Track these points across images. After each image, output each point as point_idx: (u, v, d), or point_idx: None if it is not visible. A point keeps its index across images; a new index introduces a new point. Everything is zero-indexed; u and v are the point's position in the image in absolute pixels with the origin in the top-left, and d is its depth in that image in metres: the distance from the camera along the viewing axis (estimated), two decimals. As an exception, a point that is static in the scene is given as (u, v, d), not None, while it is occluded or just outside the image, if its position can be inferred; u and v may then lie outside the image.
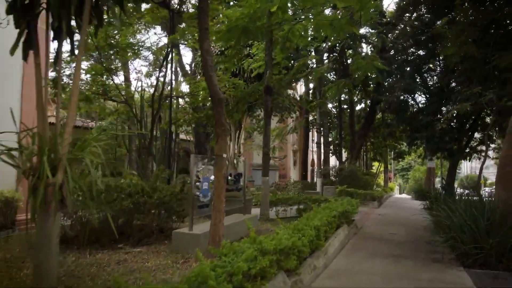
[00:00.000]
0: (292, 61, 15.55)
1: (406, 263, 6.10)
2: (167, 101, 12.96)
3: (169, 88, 12.60)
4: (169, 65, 11.89)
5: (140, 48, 12.84)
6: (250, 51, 14.00)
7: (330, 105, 30.31)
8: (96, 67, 11.53)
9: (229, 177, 8.42)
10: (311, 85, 24.40)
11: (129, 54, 12.18)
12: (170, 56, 11.45)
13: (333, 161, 30.69)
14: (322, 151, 24.97)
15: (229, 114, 13.60)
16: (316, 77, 15.15)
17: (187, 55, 33.60)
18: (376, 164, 38.35)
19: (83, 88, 12.12)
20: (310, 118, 27.24)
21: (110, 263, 5.88)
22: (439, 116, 16.19)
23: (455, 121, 15.24)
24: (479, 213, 6.30)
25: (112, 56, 11.63)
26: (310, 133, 39.85)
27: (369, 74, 11.18)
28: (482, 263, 5.77)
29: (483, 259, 5.75)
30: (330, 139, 27.68)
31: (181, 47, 24.88)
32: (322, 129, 19.25)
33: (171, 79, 10.76)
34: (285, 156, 19.36)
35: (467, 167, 69.27)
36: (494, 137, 17.16)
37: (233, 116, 13.79)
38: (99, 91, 11.98)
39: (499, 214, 6.22)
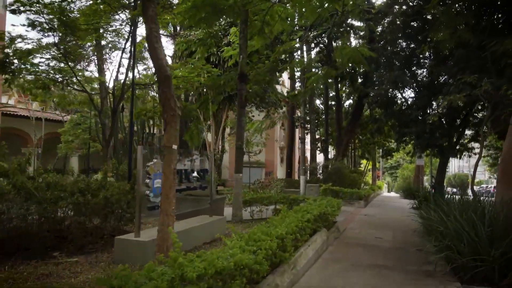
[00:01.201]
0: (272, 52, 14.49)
1: (393, 277, 5.06)
2: (138, 90, 11.77)
3: (136, 75, 11.39)
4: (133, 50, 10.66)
5: (106, 32, 11.61)
6: (230, 39, 12.90)
7: (318, 102, 29.42)
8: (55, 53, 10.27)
9: (193, 174, 7.31)
10: (298, 79, 23.37)
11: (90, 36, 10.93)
12: (132, 38, 10.22)
13: (321, 158, 29.78)
14: (309, 147, 23.98)
15: (203, 105, 12.49)
16: (301, 67, 14.08)
17: (169, 48, 32.20)
18: (364, 162, 37.55)
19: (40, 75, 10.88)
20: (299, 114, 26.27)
21: (30, 278, 4.77)
22: (429, 110, 15.28)
23: (446, 116, 14.33)
24: (479, 218, 5.29)
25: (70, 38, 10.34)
26: (298, 130, 39.12)
27: (355, 64, 10.14)
28: (483, 278, 4.77)
29: (484, 274, 4.75)
30: (317, 136, 26.72)
31: (164, 39, 23.67)
32: (305, 124, 18.17)
33: (133, 64, 9.56)
34: (260, 151, 18.26)
35: (454, 166, 69.28)
36: (485, 134, 16.32)
37: (209, 108, 12.67)
38: (56, 78, 10.72)
39: (502, 219, 5.21)
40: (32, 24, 9.99)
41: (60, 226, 6.53)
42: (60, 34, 10.23)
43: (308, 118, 27.48)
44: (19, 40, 9.98)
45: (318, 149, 25.39)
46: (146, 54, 19.73)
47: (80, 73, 11.50)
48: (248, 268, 3.26)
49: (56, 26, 9.92)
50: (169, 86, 4.94)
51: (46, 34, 10.29)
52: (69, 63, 10.15)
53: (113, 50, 14.75)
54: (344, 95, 28.16)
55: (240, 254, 3.18)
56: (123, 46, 11.87)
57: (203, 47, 11.45)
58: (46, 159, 23.07)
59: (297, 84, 28.34)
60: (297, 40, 15.09)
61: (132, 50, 9.75)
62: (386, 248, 7.08)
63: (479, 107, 15.36)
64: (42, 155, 22.65)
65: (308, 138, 23.48)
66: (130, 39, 10.41)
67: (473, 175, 9.67)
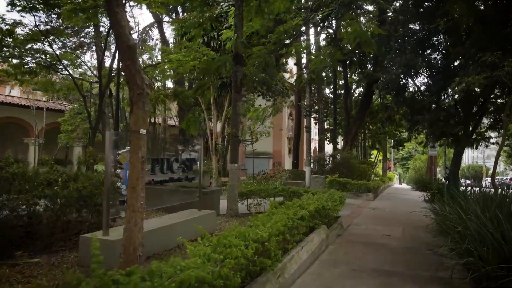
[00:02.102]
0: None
1: (402, 287, 4.25)
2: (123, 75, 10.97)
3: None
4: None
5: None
6: (230, 21, 12.03)
7: (327, 91, 28.34)
8: (34, 32, 9.55)
9: (175, 163, 6.53)
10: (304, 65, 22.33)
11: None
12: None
13: (330, 149, 28.81)
14: (317, 137, 23.02)
15: (200, 91, 11.70)
16: (306, 51, 13.13)
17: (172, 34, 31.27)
18: (374, 152, 36.43)
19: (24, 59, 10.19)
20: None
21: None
22: (443, 96, 14.22)
23: (462, 102, 13.29)
24: (505, 216, 4.42)
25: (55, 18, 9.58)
26: (306, 119, 38.04)
27: (362, 44, 9.18)
28: (512, 290, 3.93)
29: (513, 285, 3.91)
30: (326, 127, 25.76)
31: (165, 25, 22.82)
32: (311, 112, 17.23)
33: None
34: (257, 139, 17.41)
35: (468, 157, 67.39)
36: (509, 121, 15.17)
37: (205, 94, 11.88)
38: (41, 62, 10.02)
39: (535, 218, 4.34)
40: (12, 3, 9.27)
41: (29, 221, 5.85)
42: (43, 14, 9.49)
43: (315, 107, 26.54)
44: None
45: (327, 139, 24.48)
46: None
47: (69, 57, 10.78)
48: (208, 284, 2.49)
49: (37, 5, 9.19)
50: (133, 59, 4.14)
51: (27, 14, 9.56)
52: (52, 45, 9.44)
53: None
54: (354, 83, 27.12)
55: (195, 268, 2.40)
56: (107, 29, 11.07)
57: (199, 28, 10.57)
58: (50, 149, 22.66)
59: (305, 72, 27.35)
60: (301, 20, 14.11)
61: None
62: (395, 248, 6.24)
63: (498, 93, 14.28)
64: (45, 145, 22.23)
65: (316, 128, 22.55)
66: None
67: (494, 166, 8.70)
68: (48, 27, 9.52)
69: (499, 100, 14.32)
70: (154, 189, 8.72)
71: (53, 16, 9.41)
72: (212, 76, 10.46)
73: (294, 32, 11.02)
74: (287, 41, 13.28)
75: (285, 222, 4.19)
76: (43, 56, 10.27)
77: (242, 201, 9.29)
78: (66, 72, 10.11)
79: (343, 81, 21.99)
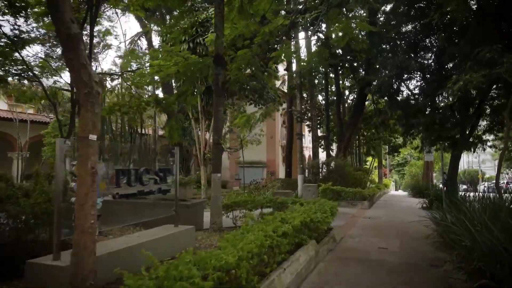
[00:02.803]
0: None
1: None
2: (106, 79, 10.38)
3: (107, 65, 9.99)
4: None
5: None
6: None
7: (320, 98, 27.82)
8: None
9: (146, 174, 5.86)
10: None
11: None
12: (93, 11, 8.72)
13: (324, 156, 28.19)
14: (311, 145, 22.40)
15: (182, 97, 11.06)
16: (295, 56, 12.59)
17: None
18: (370, 159, 35.85)
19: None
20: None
21: None
22: (438, 99, 13.70)
23: (458, 103, 12.75)
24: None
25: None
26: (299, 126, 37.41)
27: (353, 42, 8.65)
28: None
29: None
30: (320, 134, 25.18)
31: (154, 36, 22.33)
32: (302, 118, 16.61)
33: (91, 41, 8.09)
34: (241, 147, 16.75)
35: (464, 161, 67.02)
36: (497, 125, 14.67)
37: (189, 101, 11.23)
38: (10, 70, 9.34)
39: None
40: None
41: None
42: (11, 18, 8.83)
43: (308, 114, 25.91)
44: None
45: (321, 146, 23.87)
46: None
47: (40, 64, 10.11)
48: None
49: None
50: (77, 51, 3.49)
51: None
52: (20, 52, 8.77)
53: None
54: (347, 90, 26.66)
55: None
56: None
57: (178, 31, 9.98)
58: (33, 163, 21.81)
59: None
60: (286, 20, 13.62)
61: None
62: (393, 265, 5.56)
63: (495, 94, 13.79)
64: (29, 159, 21.43)
65: (311, 136, 21.95)
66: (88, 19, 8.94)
67: (498, 169, 8.10)
68: (16, 32, 8.88)
69: (495, 102, 13.83)
70: (126, 203, 8.02)
71: (20, 19, 8.74)
72: (195, 80, 9.84)
73: (279, 33, 10.42)
74: (276, 46, 12.78)
75: (261, 241, 3.51)
76: (13, 63, 9.61)
77: (227, 213, 8.60)
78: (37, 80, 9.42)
79: (335, 87, 21.50)
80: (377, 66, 14.68)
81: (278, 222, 4.42)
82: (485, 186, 47.33)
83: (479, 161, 71.79)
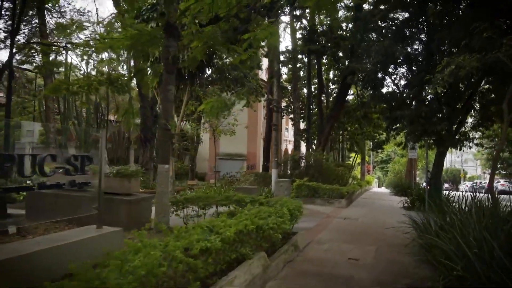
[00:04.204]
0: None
1: None
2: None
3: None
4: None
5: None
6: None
7: (305, 90, 26.70)
8: None
9: (55, 163, 4.55)
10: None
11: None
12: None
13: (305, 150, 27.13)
14: (293, 139, 21.28)
15: (139, 76, 9.71)
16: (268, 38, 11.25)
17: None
18: (353, 155, 35.00)
19: None
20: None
21: None
22: (424, 91, 12.65)
23: (446, 95, 11.74)
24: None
25: None
26: (284, 120, 36.19)
27: (327, 13, 7.51)
28: None
29: None
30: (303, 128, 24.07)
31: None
32: (279, 107, 15.32)
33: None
34: (198, 135, 15.44)
35: (446, 160, 67.08)
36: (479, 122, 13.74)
37: (146, 81, 9.87)
38: None
39: None
40: None
41: None
42: None
43: (292, 107, 24.73)
44: None
45: (303, 139, 22.77)
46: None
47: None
48: None
49: None
50: None
51: None
52: None
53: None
54: (331, 84, 25.58)
55: None
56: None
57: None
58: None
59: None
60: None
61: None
62: (362, 283, 4.41)
63: (484, 89, 12.83)
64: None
65: (295, 129, 20.95)
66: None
67: (493, 169, 7.07)
68: None
69: (485, 97, 12.87)
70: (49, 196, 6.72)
71: None
72: (146, 55, 8.47)
73: (256, 9, 9.10)
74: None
75: (152, 267, 2.26)
76: None
77: (179, 211, 7.35)
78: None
79: (317, 76, 20.32)
80: (362, 54, 13.52)
81: (201, 234, 3.18)
82: (466, 186, 47.22)
83: (462, 160, 72.20)
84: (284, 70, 23.62)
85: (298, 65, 21.28)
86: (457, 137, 13.14)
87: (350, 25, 16.37)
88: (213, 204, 7.06)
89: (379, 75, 12.68)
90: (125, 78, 9.79)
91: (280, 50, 21.38)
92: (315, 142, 21.00)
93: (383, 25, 13.25)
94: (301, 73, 23.49)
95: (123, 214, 7.14)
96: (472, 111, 13.06)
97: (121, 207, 7.17)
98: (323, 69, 22.00)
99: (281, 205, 5.66)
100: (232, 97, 13.97)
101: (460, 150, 14.19)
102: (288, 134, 37.36)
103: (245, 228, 3.70)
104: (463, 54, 7.59)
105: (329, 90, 25.72)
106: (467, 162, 72.91)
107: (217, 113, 11.74)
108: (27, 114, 16.79)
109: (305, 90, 26.32)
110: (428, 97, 12.37)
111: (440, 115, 11.94)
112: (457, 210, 5.82)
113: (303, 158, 16.75)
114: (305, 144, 22.67)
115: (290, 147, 33.86)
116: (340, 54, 18.09)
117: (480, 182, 44.72)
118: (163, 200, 6.79)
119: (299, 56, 23.58)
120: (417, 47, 13.32)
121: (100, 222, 5.29)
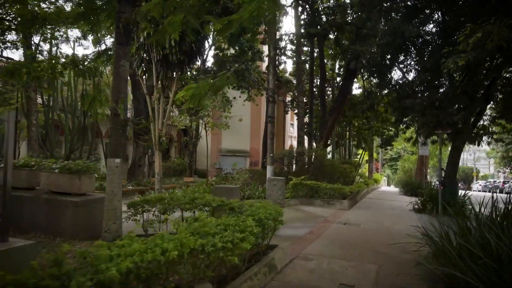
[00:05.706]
0: None
1: None
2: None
3: None
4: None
5: None
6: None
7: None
8: None
9: None
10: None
11: None
12: None
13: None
14: (296, 134, 19.87)
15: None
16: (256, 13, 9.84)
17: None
18: (360, 152, 33.36)
19: None
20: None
21: None
22: (438, 80, 11.12)
23: (463, 83, 10.21)
24: None
25: None
26: (289, 116, 34.72)
27: None
28: None
29: None
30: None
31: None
32: (274, 96, 13.79)
33: None
34: (196, 136, 14.05)
35: (459, 158, 64.75)
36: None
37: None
38: None
39: None
40: None
41: None
42: None
43: (296, 101, 23.35)
44: None
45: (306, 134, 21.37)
46: None
47: None
48: None
49: None
50: None
51: None
52: None
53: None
54: (336, 76, 24.10)
55: None
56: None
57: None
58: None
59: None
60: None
61: None
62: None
63: (508, 74, 11.28)
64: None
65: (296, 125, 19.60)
66: None
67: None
68: None
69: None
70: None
71: None
72: (98, 25, 7.12)
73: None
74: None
75: None
76: None
77: (138, 216, 6.03)
78: None
79: (319, 63, 18.83)
80: (367, 35, 12.00)
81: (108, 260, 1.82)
82: (479, 185, 45.11)
83: (474, 158, 69.86)
84: (289, 62, 22.27)
85: (302, 58, 19.96)
86: (474, 130, 11.64)
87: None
88: (176, 207, 5.71)
89: (387, 59, 11.16)
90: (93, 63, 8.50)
91: (282, 34, 20.02)
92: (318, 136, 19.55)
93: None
94: (306, 66, 22.12)
95: (67, 219, 5.84)
96: (494, 100, 11.50)
97: (65, 211, 5.88)
98: (327, 60, 20.50)
99: (252, 212, 4.28)
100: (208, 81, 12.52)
101: (478, 145, 12.64)
102: (293, 130, 35.98)
103: (179, 253, 2.32)
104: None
105: (334, 83, 24.25)
106: (479, 160, 70.52)
107: (199, 100, 10.34)
108: (7, 105, 15.58)
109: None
110: (443, 84, 10.85)
111: (457, 105, 10.43)
112: (486, 218, 4.39)
113: (303, 154, 15.29)
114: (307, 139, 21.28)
115: (295, 143, 32.49)
116: (344, 43, 16.66)
117: (494, 181, 42.67)
118: (113, 203, 5.46)
119: (304, 49, 22.15)
120: (431, 26, 11.78)
121: (4, 233, 3.99)
